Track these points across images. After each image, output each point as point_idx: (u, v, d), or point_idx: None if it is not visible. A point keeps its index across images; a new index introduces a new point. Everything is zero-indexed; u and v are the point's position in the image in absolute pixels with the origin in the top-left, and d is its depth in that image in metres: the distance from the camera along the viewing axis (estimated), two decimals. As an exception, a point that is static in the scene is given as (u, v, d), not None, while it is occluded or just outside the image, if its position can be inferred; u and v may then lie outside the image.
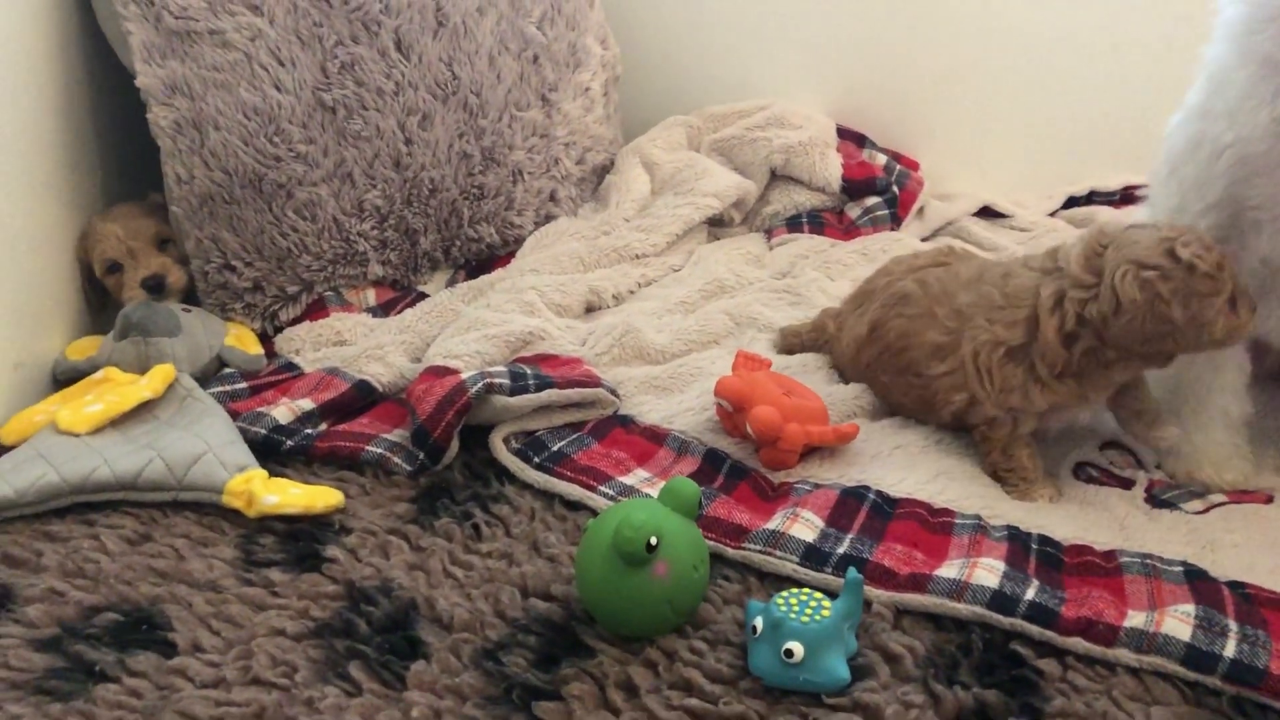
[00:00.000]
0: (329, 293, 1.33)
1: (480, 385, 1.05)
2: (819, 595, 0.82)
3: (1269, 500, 1.02)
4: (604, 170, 1.63)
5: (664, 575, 0.82)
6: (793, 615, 0.79)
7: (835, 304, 1.38)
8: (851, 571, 0.83)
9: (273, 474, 1.04)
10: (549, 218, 1.51)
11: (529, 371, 1.11)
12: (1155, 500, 1.03)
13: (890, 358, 1.11)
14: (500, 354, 1.17)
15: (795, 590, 0.83)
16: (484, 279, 1.36)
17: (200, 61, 1.20)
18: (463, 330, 1.19)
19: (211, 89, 1.21)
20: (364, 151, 1.30)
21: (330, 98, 1.26)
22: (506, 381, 1.07)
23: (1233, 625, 0.82)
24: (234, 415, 1.11)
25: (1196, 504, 1.02)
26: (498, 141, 1.40)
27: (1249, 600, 0.86)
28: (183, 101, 1.20)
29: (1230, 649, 0.80)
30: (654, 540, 0.81)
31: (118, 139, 1.39)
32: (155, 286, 1.25)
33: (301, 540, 0.96)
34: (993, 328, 1.01)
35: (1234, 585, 0.89)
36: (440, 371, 1.11)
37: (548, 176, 1.49)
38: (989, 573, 0.88)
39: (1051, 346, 0.98)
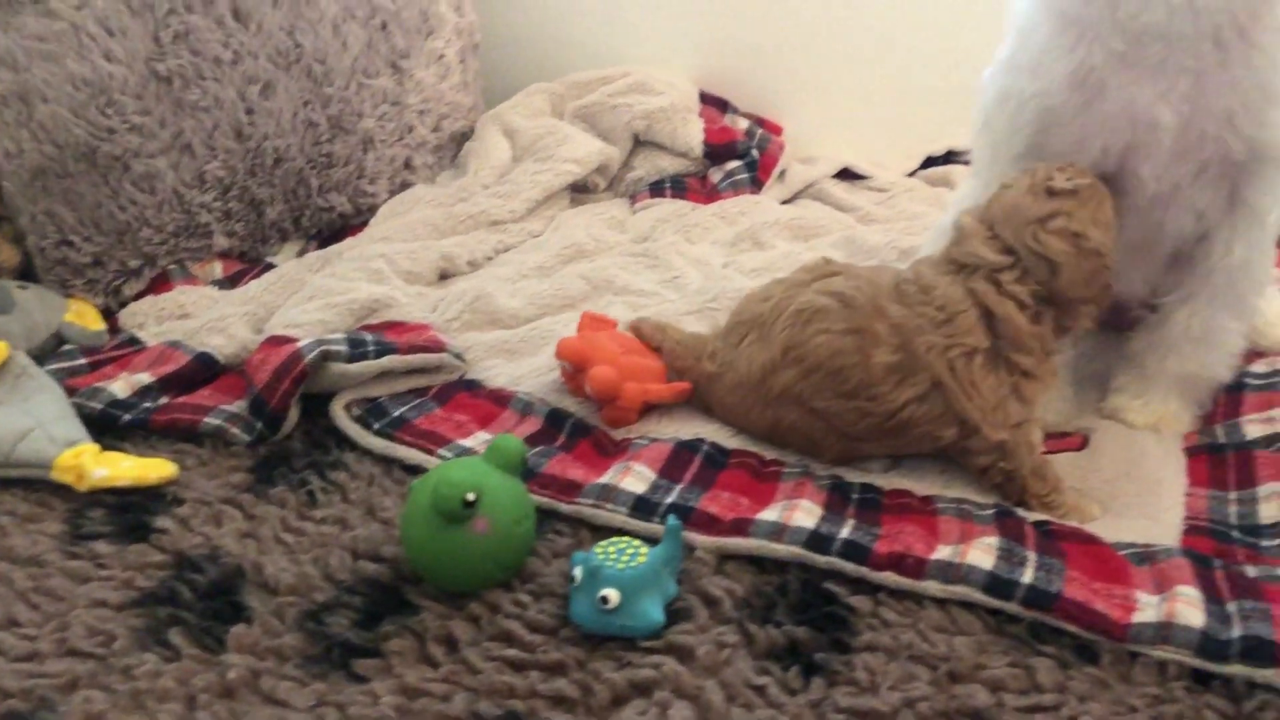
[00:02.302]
0: (173, 266, 1.31)
1: (316, 353, 1.05)
2: (637, 543, 0.84)
3: (1081, 445, 1.07)
4: (463, 138, 1.62)
5: (485, 531, 0.83)
6: (609, 563, 0.81)
7: (694, 268, 1.39)
8: (671, 519, 0.86)
9: (111, 448, 1.03)
10: (405, 185, 1.50)
11: (370, 338, 1.11)
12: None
13: (827, 381, 0.97)
14: (344, 322, 1.17)
15: (616, 539, 0.85)
16: (333, 248, 1.35)
17: (23, 31, 1.17)
18: (306, 299, 1.19)
19: (37, 60, 1.18)
20: (203, 122, 1.28)
21: (164, 67, 1.24)
22: (344, 349, 1.07)
23: (1031, 555, 0.86)
24: (72, 391, 1.09)
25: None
26: (345, 109, 1.39)
27: (1050, 535, 0.91)
28: (6, 73, 1.17)
29: (1028, 576, 0.84)
30: (471, 497, 0.82)
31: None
32: (-16, 266, 1.23)
33: (131, 512, 0.96)
34: (955, 338, 0.94)
35: (1039, 523, 0.93)
36: (279, 341, 1.11)
37: (401, 144, 1.48)
38: (807, 515, 0.91)
39: (1024, 330, 0.94)
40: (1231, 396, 1.12)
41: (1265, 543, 0.91)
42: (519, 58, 1.81)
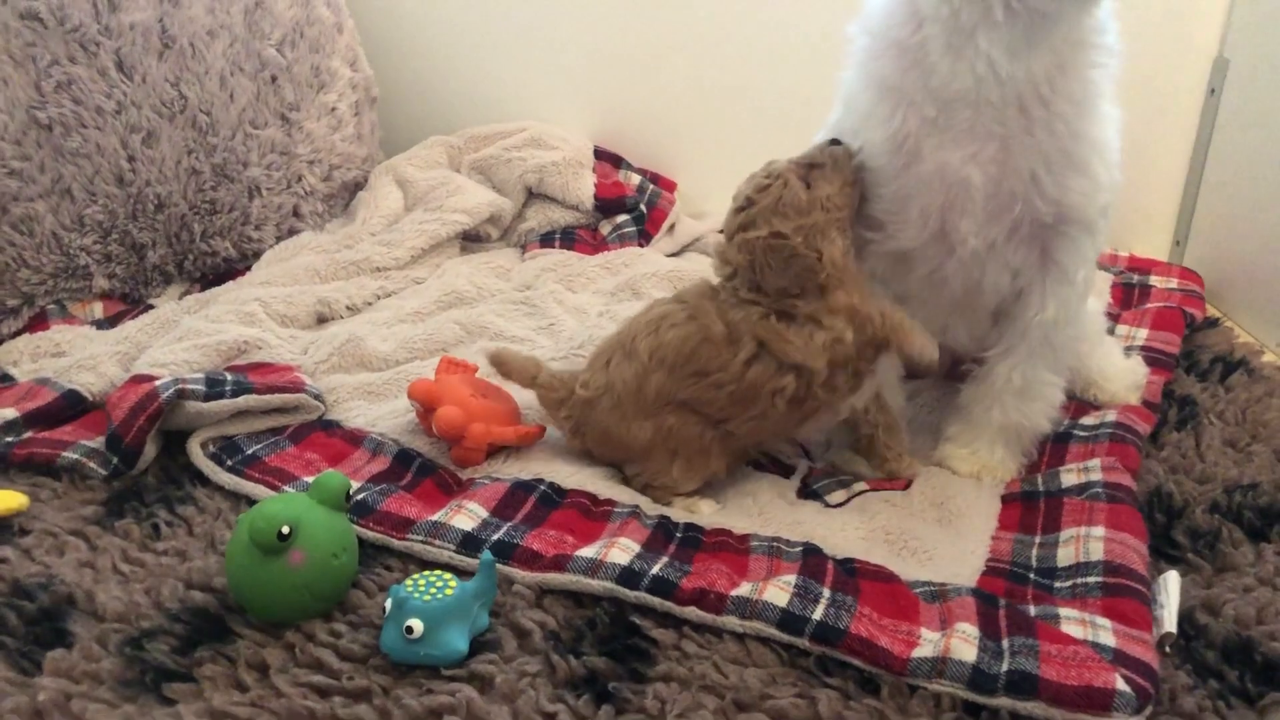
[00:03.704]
0: (51, 306, 1.35)
1: (172, 391, 1.09)
2: (447, 576, 0.88)
3: (906, 486, 1.12)
4: (356, 187, 1.68)
5: (300, 563, 0.87)
6: (416, 595, 0.85)
7: (571, 316, 1.45)
8: (485, 554, 0.90)
9: (-32, 481, 1.06)
10: (293, 231, 1.55)
11: (228, 378, 1.15)
12: (805, 490, 1.12)
13: (686, 367, 1.06)
14: (210, 362, 1.21)
15: (427, 572, 0.89)
16: (212, 291, 1.40)
17: (-94, 79, 1.23)
18: (175, 340, 1.23)
19: (-82, 106, 1.23)
20: (83, 168, 1.32)
21: (45, 115, 1.29)
22: (201, 388, 1.11)
23: (826, 593, 0.91)
24: (-63, 425, 1.12)
25: (840, 494, 1.11)
26: (230, 158, 1.44)
27: (853, 573, 0.95)
28: (-112, 119, 1.22)
29: (818, 613, 0.88)
30: (286, 530, 0.86)
31: None
32: None
33: (-26, 542, 0.99)
34: (747, 309, 1.05)
35: (844, 561, 0.98)
36: (141, 379, 1.15)
37: (289, 192, 1.53)
38: (623, 551, 0.95)
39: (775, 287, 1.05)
40: (1058, 447, 1.19)
41: (1058, 584, 0.96)
42: (422, 111, 1.87)
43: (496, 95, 1.87)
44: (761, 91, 1.83)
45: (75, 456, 1.09)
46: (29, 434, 1.14)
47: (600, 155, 1.80)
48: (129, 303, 1.42)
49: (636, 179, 1.79)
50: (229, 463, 1.09)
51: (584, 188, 1.71)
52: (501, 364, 1.15)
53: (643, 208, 1.72)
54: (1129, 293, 1.65)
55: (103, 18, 1.33)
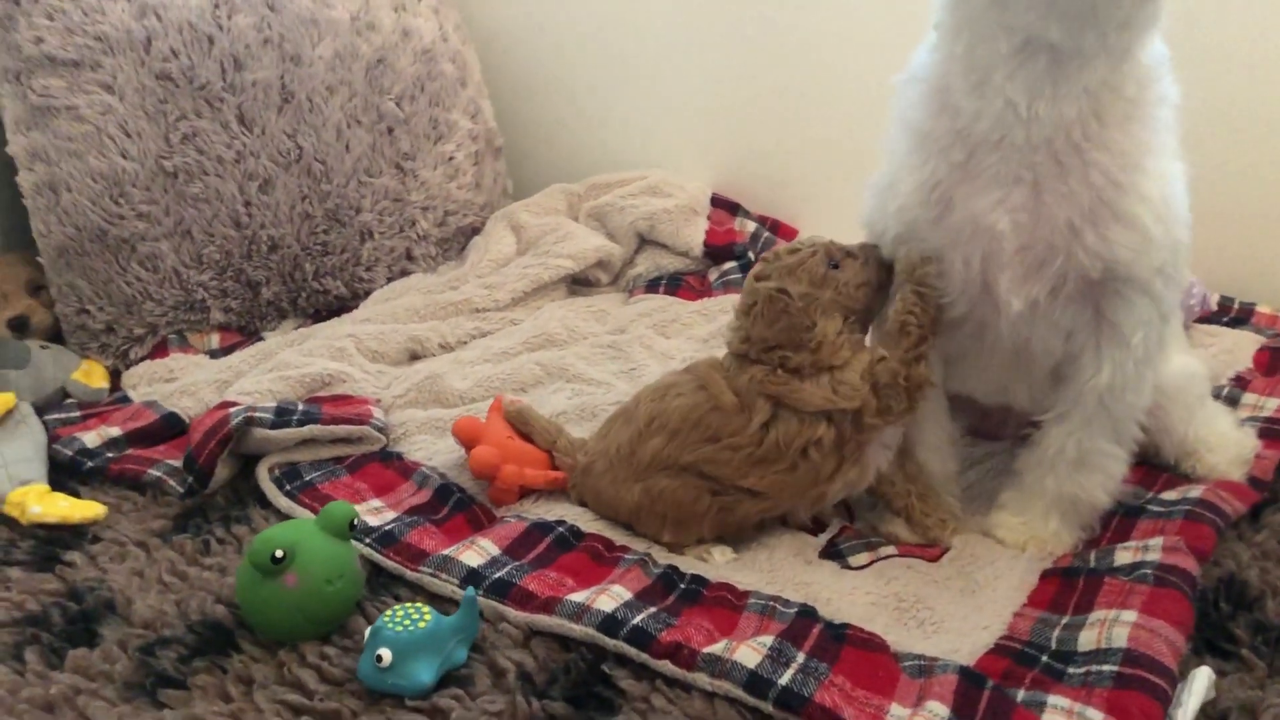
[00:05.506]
0: (172, 335, 1.49)
1: (241, 418, 1.18)
2: (425, 609, 0.91)
3: (937, 557, 1.07)
4: (473, 232, 1.76)
5: (293, 586, 0.92)
6: (390, 625, 0.89)
7: (656, 361, 1.47)
8: (469, 590, 0.93)
9: (72, 491, 1.19)
10: (404, 273, 1.65)
11: (298, 407, 1.23)
12: (831, 549, 1.09)
13: (691, 434, 1.06)
14: (293, 393, 1.30)
15: (408, 604, 0.92)
16: (315, 327, 1.50)
17: (57, 133, 1.39)
18: (266, 371, 1.33)
19: (65, 156, 1.40)
20: (203, 212, 1.46)
21: (171, 164, 1.44)
22: (269, 416, 1.20)
23: (800, 657, 0.88)
24: (57, 438, 1.26)
25: (864, 556, 1.08)
26: (342, 204, 1.55)
27: (840, 639, 0.92)
28: (41, 167, 1.39)
29: (786, 678, 0.86)
30: (280, 553, 0.91)
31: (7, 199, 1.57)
32: (19, 325, 1.44)
33: (53, 545, 1.10)
34: (754, 369, 1.05)
35: (836, 626, 0.94)
36: (224, 405, 1.25)
37: (401, 236, 1.63)
38: (611, 599, 0.96)
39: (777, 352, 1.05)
40: (1126, 522, 1.10)
41: (1072, 669, 0.89)
42: (550, 160, 1.95)
43: (622, 144, 1.92)
44: (878, 134, 1.79)
45: (158, 474, 1.20)
46: (129, 450, 1.26)
47: (717, 202, 1.81)
48: (244, 334, 1.55)
49: (752, 226, 1.79)
50: (288, 487, 1.17)
51: (694, 235, 1.72)
52: (524, 423, 1.19)
53: (751, 255, 1.72)
54: (1276, 358, 1.50)
55: (228, 76, 1.47)
